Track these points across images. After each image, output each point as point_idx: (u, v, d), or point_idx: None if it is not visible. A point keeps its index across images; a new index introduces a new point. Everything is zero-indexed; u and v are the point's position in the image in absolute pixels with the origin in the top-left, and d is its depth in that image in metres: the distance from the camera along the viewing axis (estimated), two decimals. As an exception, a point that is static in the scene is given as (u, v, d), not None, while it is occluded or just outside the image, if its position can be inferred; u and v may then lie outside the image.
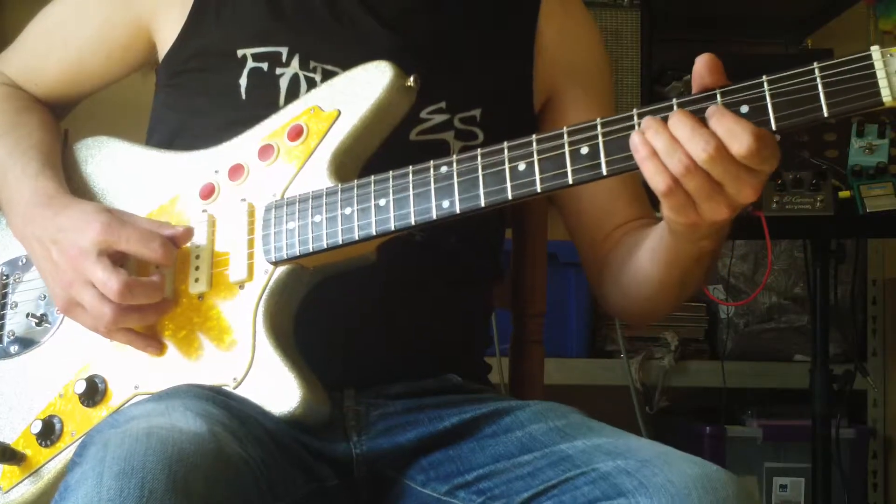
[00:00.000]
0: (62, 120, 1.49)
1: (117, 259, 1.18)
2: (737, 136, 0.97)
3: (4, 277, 1.36)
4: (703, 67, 1.02)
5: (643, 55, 2.59)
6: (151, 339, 1.20)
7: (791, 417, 2.62)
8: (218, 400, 1.09)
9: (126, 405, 1.19)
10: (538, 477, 1.09)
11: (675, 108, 1.01)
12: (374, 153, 1.22)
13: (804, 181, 1.89)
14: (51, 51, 1.45)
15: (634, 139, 1.01)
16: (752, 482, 2.63)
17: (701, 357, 2.81)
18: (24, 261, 1.34)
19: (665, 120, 1.01)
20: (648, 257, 1.23)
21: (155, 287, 1.18)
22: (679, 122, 0.99)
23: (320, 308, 1.20)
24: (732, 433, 2.65)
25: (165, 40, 1.36)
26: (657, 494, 0.98)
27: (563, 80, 1.42)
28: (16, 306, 1.33)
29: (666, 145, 0.99)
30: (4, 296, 1.35)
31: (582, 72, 1.44)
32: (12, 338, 1.32)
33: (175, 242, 1.20)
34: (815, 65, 0.97)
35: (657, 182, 1.00)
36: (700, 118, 0.99)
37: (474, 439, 1.19)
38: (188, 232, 1.22)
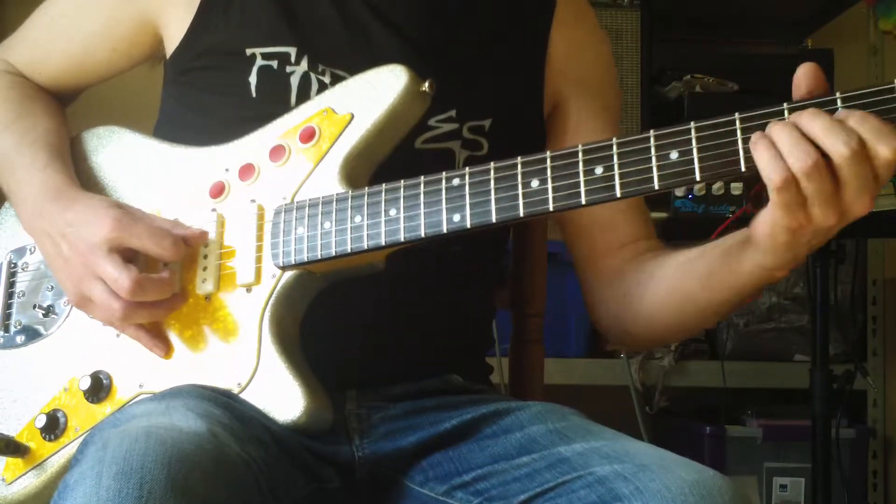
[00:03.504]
0: (67, 106, 1.48)
1: (127, 255, 1.18)
2: (885, 138, 0.93)
3: (12, 266, 1.35)
4: (800, 74, 0.98)
5: (643, 55, 2.59)
6: (159, 339, 1.19)
7: (791, 417, 2.61)
8: (220, 400, 1.09)
9: (129, 404, 1.19)
10: (535, 479, 1.09)
11: (692, 130, 0.99)
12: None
13: (804, 181, 1.88)
14: (55, 43, 1.44)
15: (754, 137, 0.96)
16: (752, 482, 2.63)
17: (701, 357, 2.80)
18: (33, 249, 1.33)
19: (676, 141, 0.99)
20: (699, 281, 1.18)
21: (165, 283, 1.17)
22: (814, 115, 0.94)
23: (323, 310, 1.20)
24: (732, 433, 2.65)
25: (173, 37, 1.35)
26: (653, 500, 0.97)
27: (570, 90, 1.40)
28: (23, 295, 1.32)
29: (792, 138, 0.94)
30: (12, 284, 1.34)
31: (590, 83, 1.42)
32: (19, 328, 1.31)
33: (187, 242, 1.20)
34: (838, 94, 0.95)
35: (771, 171, 0.95)
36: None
37: (474, 440, 1.19)
38: (202, 234, 1.21)
